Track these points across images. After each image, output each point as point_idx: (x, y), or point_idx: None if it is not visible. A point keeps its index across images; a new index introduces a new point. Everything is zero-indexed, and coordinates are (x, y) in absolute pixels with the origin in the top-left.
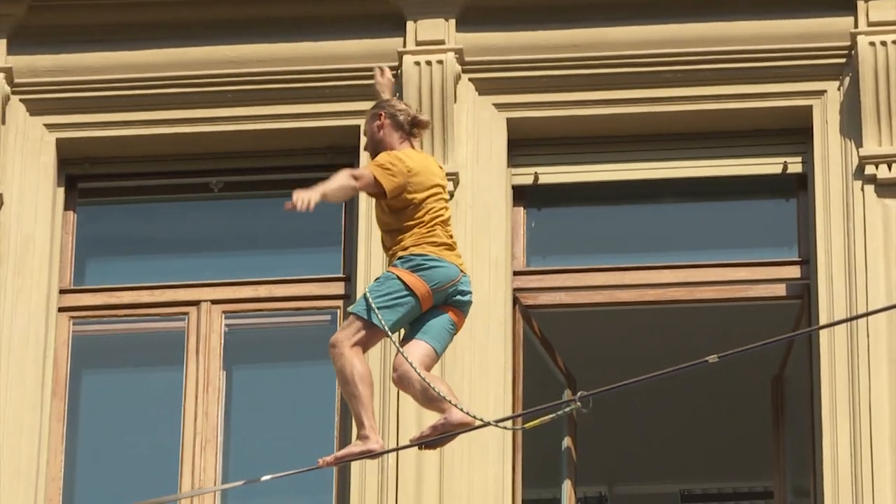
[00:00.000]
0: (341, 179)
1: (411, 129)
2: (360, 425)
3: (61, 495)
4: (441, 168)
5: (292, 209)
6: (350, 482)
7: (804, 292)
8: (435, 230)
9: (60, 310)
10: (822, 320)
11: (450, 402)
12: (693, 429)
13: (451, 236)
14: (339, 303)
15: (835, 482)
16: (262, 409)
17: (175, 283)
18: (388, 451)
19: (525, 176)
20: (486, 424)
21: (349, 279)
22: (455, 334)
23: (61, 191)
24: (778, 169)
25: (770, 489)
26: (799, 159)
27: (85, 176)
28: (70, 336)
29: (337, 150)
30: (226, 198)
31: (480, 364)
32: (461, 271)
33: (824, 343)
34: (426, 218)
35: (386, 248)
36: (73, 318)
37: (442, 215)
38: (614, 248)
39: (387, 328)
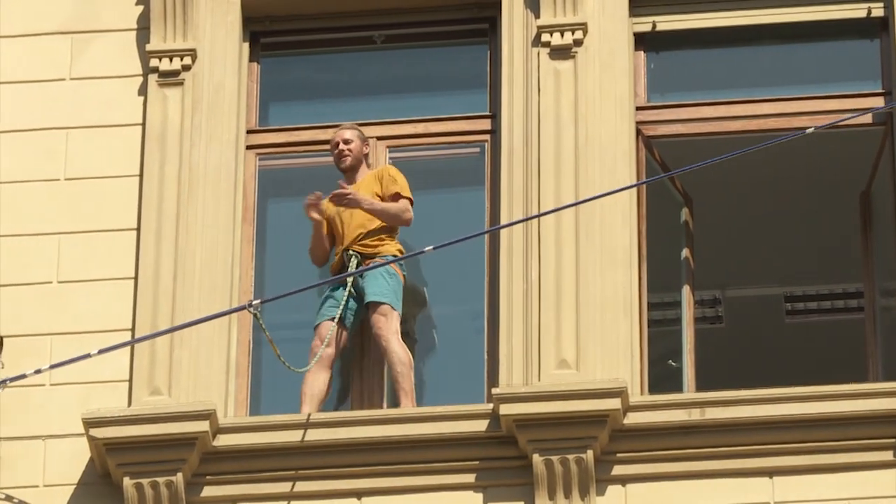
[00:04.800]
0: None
1: None
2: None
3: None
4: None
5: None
6: (500, 293)
7: (887, 119)
8: None
9: (248, 147)
10: None
11: None
12: (795, 239)
13: None
14: (487, 137)
15: None
16: (423, 229)
17: (345, 122)
18: None
19: (644, 24)
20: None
21: (494, 116)
22: None
23: (246, 45)
24: (862, 13)
25: (861, 290)
26: (881, 4)
27: (266, 32)
28: (256, 170)
29: (482, 5)
30: (387, 48)
31: (610, 188)
32: None
33: None
34: None
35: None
36: (258, 154)
37: None
38: (722, 84)
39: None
